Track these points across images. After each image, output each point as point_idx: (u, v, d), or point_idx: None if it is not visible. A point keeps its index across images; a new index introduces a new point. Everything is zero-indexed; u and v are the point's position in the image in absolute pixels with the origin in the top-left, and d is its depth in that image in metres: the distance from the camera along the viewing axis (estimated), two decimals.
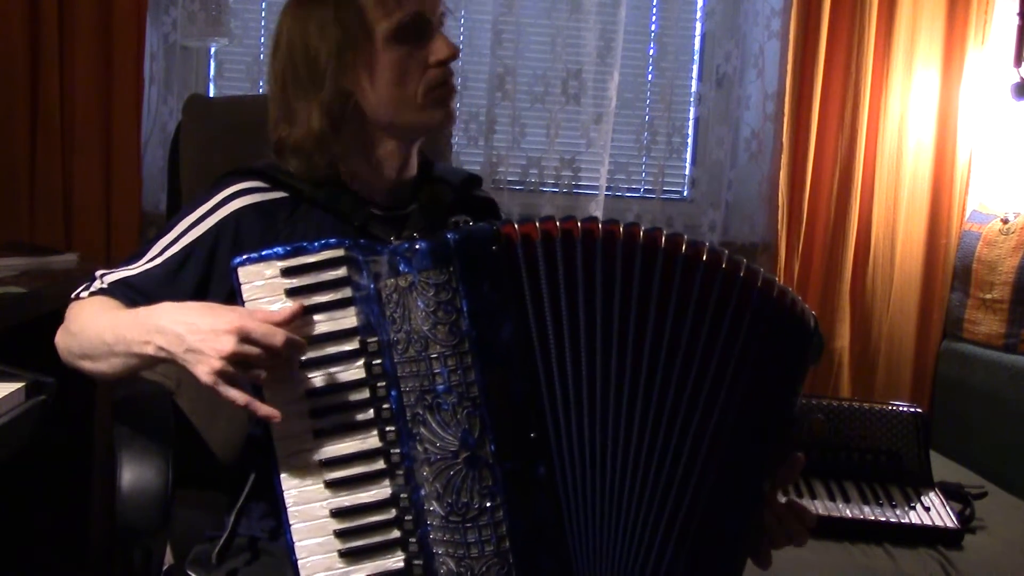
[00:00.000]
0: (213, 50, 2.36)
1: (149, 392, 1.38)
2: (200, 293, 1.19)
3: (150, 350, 1.05)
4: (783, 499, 1.13)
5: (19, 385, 1.22)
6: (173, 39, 2.24)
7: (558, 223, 1.03)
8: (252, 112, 1.80)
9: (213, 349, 0.98)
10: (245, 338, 0.98)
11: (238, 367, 0.99)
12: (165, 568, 1.39)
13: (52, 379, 1.28)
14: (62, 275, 1.87)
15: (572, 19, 2.38)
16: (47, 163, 2.13)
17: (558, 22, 2.38)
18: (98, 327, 1.11)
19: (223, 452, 1.47)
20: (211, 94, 2.36)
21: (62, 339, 1.17)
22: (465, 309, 1.01)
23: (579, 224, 1.03)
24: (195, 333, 1.00)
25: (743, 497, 1.07)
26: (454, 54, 1.21)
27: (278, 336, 0.99)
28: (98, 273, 1.21)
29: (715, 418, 1.03)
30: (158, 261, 1.20)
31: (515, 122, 2.39)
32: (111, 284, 1.19)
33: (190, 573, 1.20)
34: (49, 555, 2.02)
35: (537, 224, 1.03)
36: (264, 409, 1.01)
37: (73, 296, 1.20)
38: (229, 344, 0.98)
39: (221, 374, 0.99)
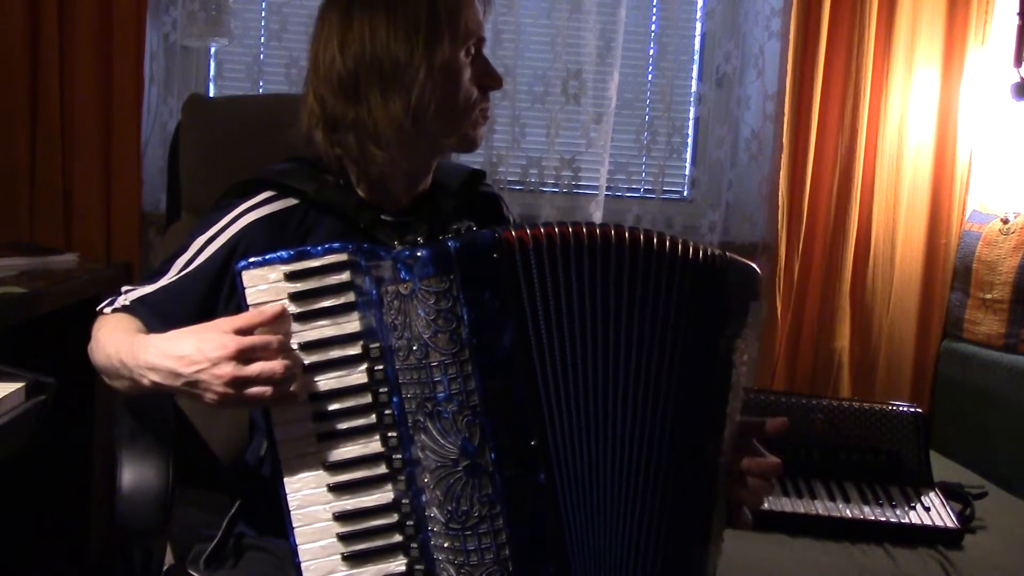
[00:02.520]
0: (213, 50, 2.36)
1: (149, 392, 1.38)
2: (212, 310, 1.19)
3: (146, 383, 1.06)
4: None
5: (19, 385, 1.23)
6: (173, 39, 2.24)
7: (542, 228, 1.04)
8: (252, 112, 1.81)
9: (212, 376, 0.99)
10: (240, 358, 0.98)
11: (240, 387, 0.99)
12: (165, 568, 1.39)
13: (52, 379, 1.28)
14: (62, 275, 1.87)
15: (572, 19, 2.38)
16: (47, 163, 2.13)
17: (558, 22, 2.38)
18: (109, 348, 1.12)
19: (223, 452, 1.47)
20: (211, 94, 2.36)
21: (91, 352, 1.18)
22: (465, 317, 1.00)
23: (570, 228, 1.04)
24: (188, 365, 1.00)
25: (712, 462, 1.08)
26: (502, 83, 1.27)
27: (273, 344, 0.99)
28: (123, 289, 1.22)
29: (677, 393, 1.06)
30: (174, 280, 1.21)
31: (515, 122, 2.38)
32: (132, 302, 1.19)
33: (191, 573, 1.20)
34: (49, 555, 2.02)
35: (528, 230, 1.03)
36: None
37: (98, 310, 1.21)
38: (227, 369, 0.98)
39: (225, 398, 0.99)
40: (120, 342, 1.11)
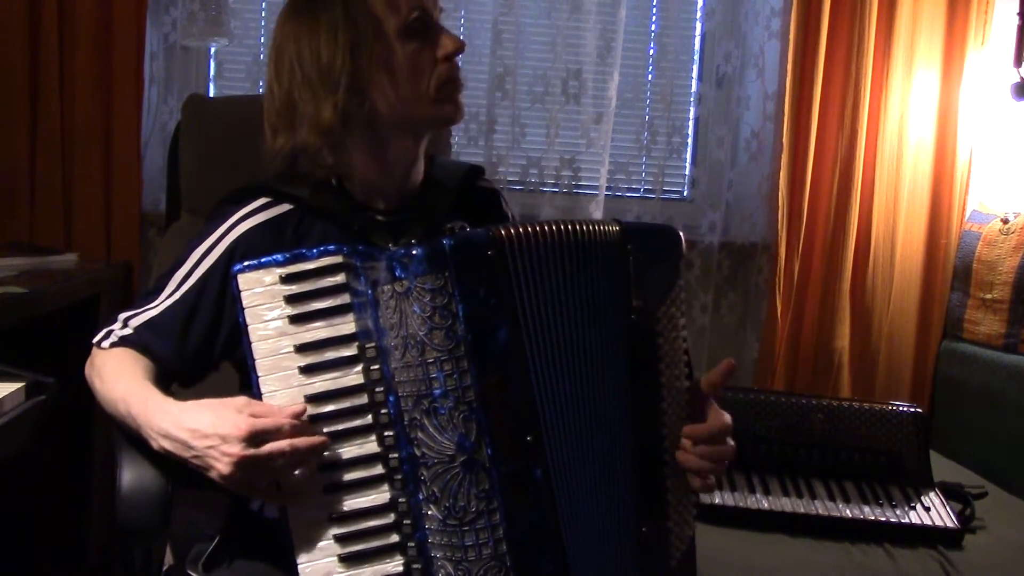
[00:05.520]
0: (213, 50, 2.36)
1: None
2: (217, 319, 1.19)
3: (154, 446, 1.05)
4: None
5: (19, 385, 1.22)
6: (173, 39, 2.24)
7: (530, 226, 1.05)
8: (252, 112, 1.80)
9: (222, 454, 0.99)
10: (254, 440, 0.98)
11: (246, 468, 0.99)
12: (165, 568, 1.39)
13: (52, 379, 1.28)
14: (62, 275, 1.87)
15: (572, 19, 2.38)
16: (47, 163, 2.13)
17: (558, 22, 2.38)
18: (115, 392, 1.11)
19: None
20: (211, 94, 2.36)
21: (90, 381, 1.17)
22: (461, 314, 1.01)
23: (560, 227, 1.06)
24: (201, 439, 1.00)
25: (653, 435, 1.10)
26: (461, 47, 1.22)
27: (285, 428, 0.99)
28: (121, 316, 1.20)
29: (615, 371, 1.08)
30: (177, 296, 1.20)
31: (515, 122, 2.38)
32: (137, 329, 1.18)
33: (190, 573, 1.20)
34: (49, 555, 2.02)
35: (515, 228, 1.04)
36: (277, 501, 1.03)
37: (95, 342, 1.19)
38: (237, 448, 0.98)
39: (230, 479, 0.99)
40: (130, 390, 1.10)
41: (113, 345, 1.17)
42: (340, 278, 1.05)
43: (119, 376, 1.13)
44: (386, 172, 1.26)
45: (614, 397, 1.08)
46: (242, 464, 0.98)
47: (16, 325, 1.58)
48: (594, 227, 1.09)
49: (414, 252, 1.02)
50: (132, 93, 2.15)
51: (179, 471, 1.10)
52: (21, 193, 2.13)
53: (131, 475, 1.18)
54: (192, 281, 1.20)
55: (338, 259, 1.06)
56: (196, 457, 1.01)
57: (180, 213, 1.72)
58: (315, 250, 1.06)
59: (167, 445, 1.04)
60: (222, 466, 0.99)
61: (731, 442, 1.13)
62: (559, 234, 1.06)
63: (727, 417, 1.14)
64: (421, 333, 1.01)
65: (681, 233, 1.14)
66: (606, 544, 1.07)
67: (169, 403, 1.07)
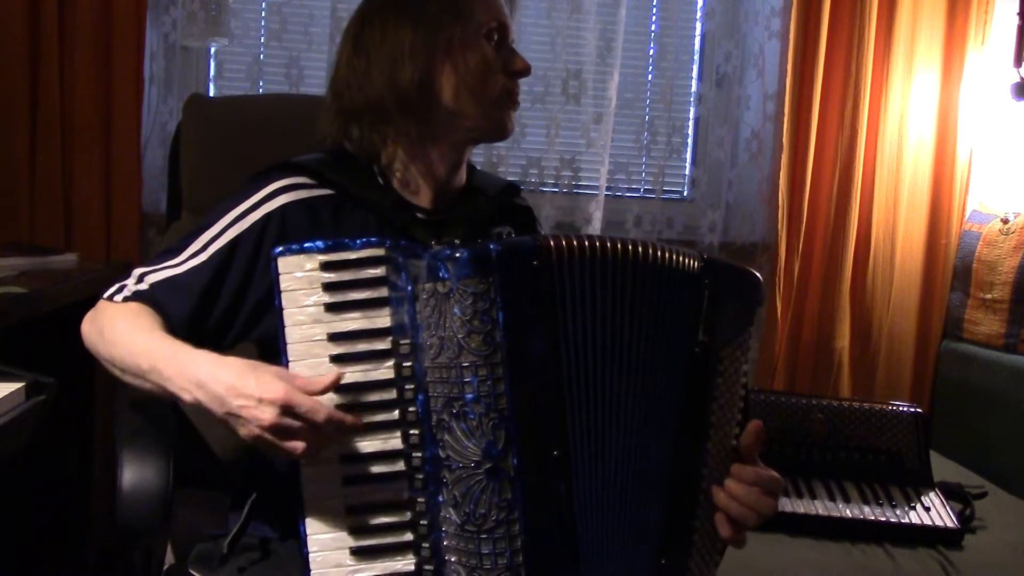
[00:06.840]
0: (213, 50, 2.36)
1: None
2: (243, 288, 1.16)
3: (186, 397, 1.02)
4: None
5: (19, 385, 1.22)
6: (173, 39, 2.24)
7: (576, 240, 1.04)
8: (252, 112, 1.81)
9: (254, 417, 0.97)
10: (288, 411, 0.96)
11: (276, 435, 0.97)
12: (165, 568, 1.39)
13: (52, 379, 1.28)
14: (62, 275, 1.86)
15: (572, 19, 2.38)
16: (47, 163, 2.13)
17: (558, 22, 2.38)
18: (133, 347, 1.08)
19: (223, 452, 1.47)
20: (211, 94, 2.36)
21: (90, 336, 1.13)
22: (501, 321, 1.00)
23: (629, 246, 1.04)
24: (238, 397, 0.98)
25: (691, 471, 1.08)
26: (529, 70, 1.26)
27: (320, 414, 0.97)
28: (137, 271, 1.16)
29: (663, 399, 1.06)
30: (203, 257, 1.16)
31: (515, 122, 2.38)
32: (153, 286, 1.14)
33: (192, 572, 1.19)
34: (49, 555, 2.02)
35: (564, 240, 1.03)
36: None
37: (106, 296, 1.15)
38: (270, 414, 0.96)
39: (259, 440, 0.98)
40: (152, 343, 1.07)
41: (126, 300, 1.14)
42: (381, 271, 1.04)
43: (137, 331, 1.09)
44: (433, 168, 1.25)
45: (656, 425, 1.06)
46: (271, 430, 0.97)
47: (16, 325, 1.57)
48: (673, 255, 1.07)
49: (458, 254, 1.00)
50: (132, 93, 2.15)
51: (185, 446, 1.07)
52: (21, 193, 2.12)
53: (131, 475, 1.18)
54: (220, 244, 1.17)
55: (380, 251, 1.04)
56: (228, 414, 0.99)
57: (180, 213, 1.72)
58: (358, 240, 1.05)
59: (200, 396, 1.00)
60: (251, 427, 0.97)
61: (774, 500, 1.10)
62: (619, 252, 1.04)
63: (776, 475, 1.11)
64: (459, 336, 1.00)
65: (760, 277, 1.13)
66: (623, 569, 1.06)
67: (203, 353, 1.03)
